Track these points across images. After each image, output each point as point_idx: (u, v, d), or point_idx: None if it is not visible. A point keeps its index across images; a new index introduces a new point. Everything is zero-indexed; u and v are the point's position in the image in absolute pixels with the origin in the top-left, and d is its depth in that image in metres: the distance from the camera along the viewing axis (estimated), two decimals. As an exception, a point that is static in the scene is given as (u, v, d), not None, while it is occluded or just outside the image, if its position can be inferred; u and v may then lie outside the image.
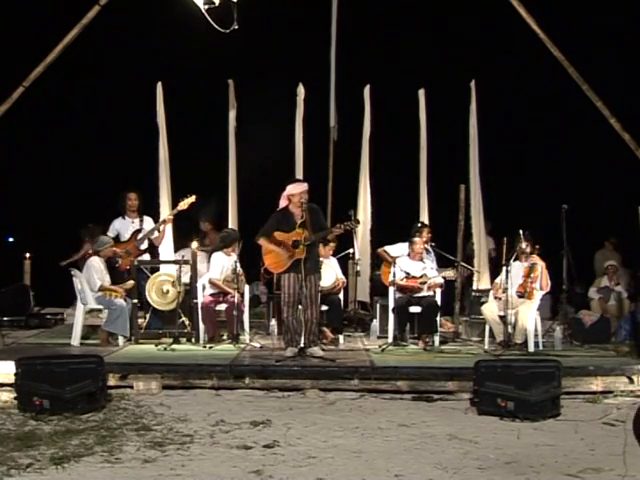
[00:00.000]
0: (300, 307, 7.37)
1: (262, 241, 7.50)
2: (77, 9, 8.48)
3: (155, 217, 9.25)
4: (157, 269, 8.89)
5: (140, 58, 12.50)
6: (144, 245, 8.87)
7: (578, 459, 4.75)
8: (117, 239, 8.79)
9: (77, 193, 13.72)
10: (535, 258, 8.22)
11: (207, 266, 8.74)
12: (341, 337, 8.57)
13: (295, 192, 7.44)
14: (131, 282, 8.34)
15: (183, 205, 8.83)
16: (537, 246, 8.40)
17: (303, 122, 10.66)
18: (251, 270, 9.49)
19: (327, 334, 8.37)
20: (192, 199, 8.84)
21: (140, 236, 8.79)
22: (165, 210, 9.73)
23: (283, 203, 7.54)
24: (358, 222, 7.92)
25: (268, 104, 11.49)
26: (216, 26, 7.84)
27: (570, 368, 6.61)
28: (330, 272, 8.52)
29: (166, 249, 9.40)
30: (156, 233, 8.92)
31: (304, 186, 7.58)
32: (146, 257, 8.92)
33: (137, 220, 8.90)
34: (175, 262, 8.64)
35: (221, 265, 8.52)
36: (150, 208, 9.39)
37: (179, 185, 10.28)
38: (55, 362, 5.99)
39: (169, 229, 9.26)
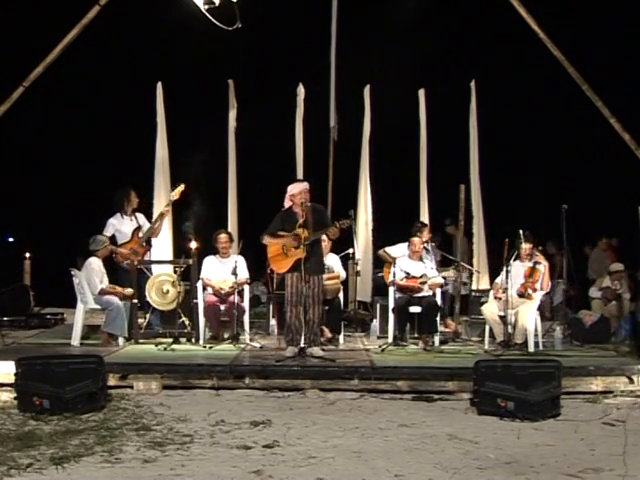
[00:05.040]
0: (302, 306, 7.37)
1: (266, 239, 7.51)
2: (77, 9, 8.49)
3: (149, 217, 9.22)
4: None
5: (140, 58, 12.50)
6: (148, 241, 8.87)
7: (578, 459, 4.74)
8: (113, 238, 8.77)
9: (77, 193, 13.72)
10: (540, 257, 8.22)
11: None
12: (341, 337, 8.57)
13: (295, 192, 7.47)
14: (130, 290, 8.32)
15: (175, 195, 8.82)
16: (540, 247, 8.39)
17: (303, 122, 10.67)
18: (252, 270, 9.49)
19: (326, 333, 8.37)
20: (182, 187, 8.82)
21: (142, 234, 8.77)
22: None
23: (287, 204, 7.56)
24: (350, 217, 7.77)
25: (268, 104, 11.49)
26: (220, 25, 7.84)
27: (570, 368, 6.60)
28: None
29: (165, 249, 9.40)
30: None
31: (304, 185, 7.61)
32: (150, 253, 8.93)
33: (133, 217, 8.88)
34: (175, 262, 8.65)
35: (210, 270, 8.53)
36: (145, 208, 9.37)
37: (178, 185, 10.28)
38: (55, 362, 5.99)
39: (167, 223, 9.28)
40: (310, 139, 10.72)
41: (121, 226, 8.80)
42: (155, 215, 9.34)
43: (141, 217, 8.97)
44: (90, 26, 8.42)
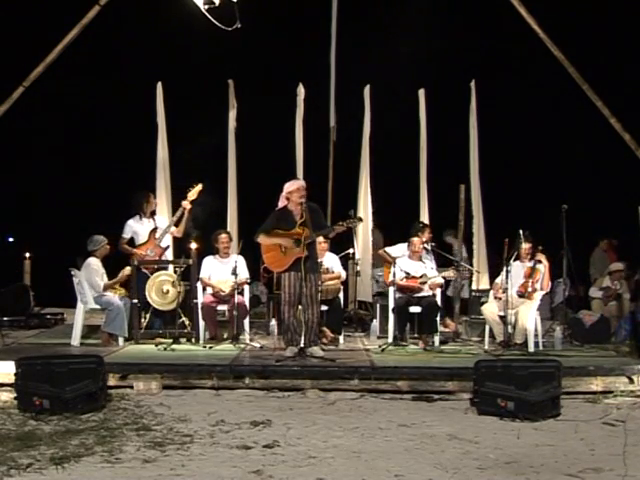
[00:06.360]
0: (300, 307, 7.37)
1: (262, 238, 7.48)
2: (77, 9, 8.49)
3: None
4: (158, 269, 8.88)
5: (140, 58, 12.50)
6: (165, 242, 8.89)
7: (578, 459, 4.75)
8: (131, 240, 8.79)
9: (77, 193, 13.72)
10: (541, 256, 8.22)
11: None
12: (341, 337, 8.57)
13: (293, 189, 7.45)
14: (128, 268, 8.32)
15: (193, 195, 8.79)
16: (540, 247, 8.39)
17: (303, 122, 10.67)
18: (251, 270, 9.48)
19: (327, 334, 8.38)
20: (199, 187, 8.83)
21: (158, 234, 8.79)
22: (163, 209, 9.75)
23: (282, 203, 7.54)
24: (361, 220, 7.92)
25: (268, 104, 11.49)
26: (220, 25, 7.84)
27: (570, 368, 6.60)
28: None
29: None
30: (172, 227, 8.91)
31: (301, 183, 7.61)
32: (168, 254, 9.00)
33: (151, 219, 8.90)
34: (175, 262, 8.65)
35: (208, 270, 8.53)
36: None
37: (178, 185, 10.30)
38: (55, 362, 5.99)
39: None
40: (310, 139, 10.72)
41: (139, 228, 8.82)
42: (159, 214, 9.35)
43: (159, 219, 9.01)
44: (90, 26, 8.43)
